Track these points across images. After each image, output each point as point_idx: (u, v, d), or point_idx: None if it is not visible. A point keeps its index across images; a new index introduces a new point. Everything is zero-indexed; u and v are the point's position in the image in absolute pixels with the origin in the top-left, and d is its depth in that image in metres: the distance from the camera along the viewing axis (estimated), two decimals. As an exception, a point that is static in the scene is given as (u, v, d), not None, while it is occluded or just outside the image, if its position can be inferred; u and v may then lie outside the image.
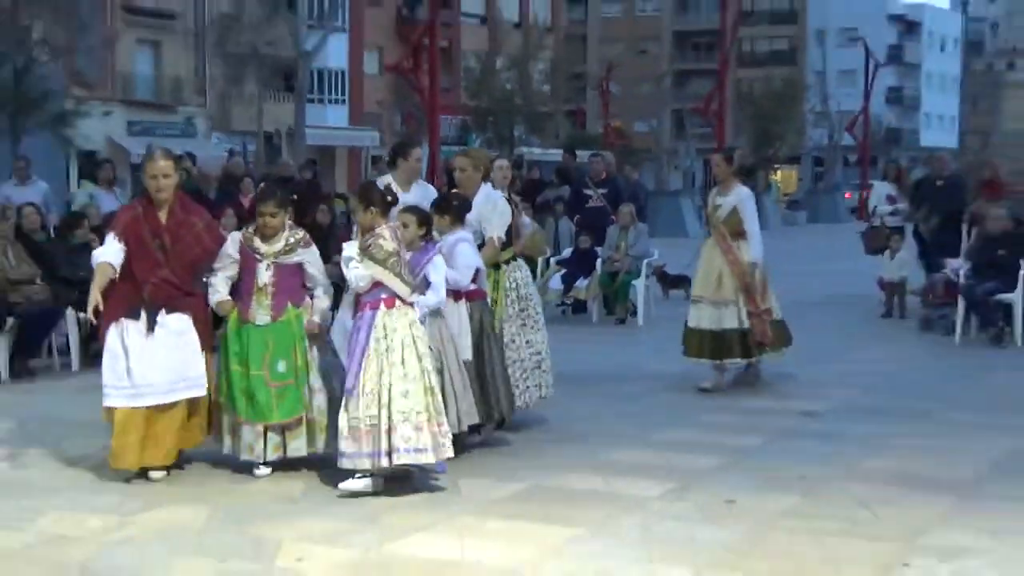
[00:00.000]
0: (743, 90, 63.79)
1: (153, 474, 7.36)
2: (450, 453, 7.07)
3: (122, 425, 7.22)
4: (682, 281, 16.00)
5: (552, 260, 15.88)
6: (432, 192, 9.08)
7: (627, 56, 76.75)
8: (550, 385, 8.90)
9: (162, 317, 7.33)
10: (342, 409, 6.98)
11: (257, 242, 7.48)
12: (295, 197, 8.08)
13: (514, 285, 8.73)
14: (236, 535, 6.31)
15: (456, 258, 7.93)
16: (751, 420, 9.25)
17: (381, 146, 50.36)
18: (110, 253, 7.29)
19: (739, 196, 10.34)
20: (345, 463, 6.92)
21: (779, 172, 71.74)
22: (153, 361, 7.26)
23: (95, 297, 7.11)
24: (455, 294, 7.94)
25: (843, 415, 9.50)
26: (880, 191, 17.86)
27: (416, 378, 6.97)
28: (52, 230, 13.52)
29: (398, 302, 7.07)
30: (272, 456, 7.42)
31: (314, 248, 7.66)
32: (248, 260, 7.47)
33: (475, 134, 50.71)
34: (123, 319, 7.32)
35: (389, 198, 7.29)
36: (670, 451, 8.19)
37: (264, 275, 7.43)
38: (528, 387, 8.67)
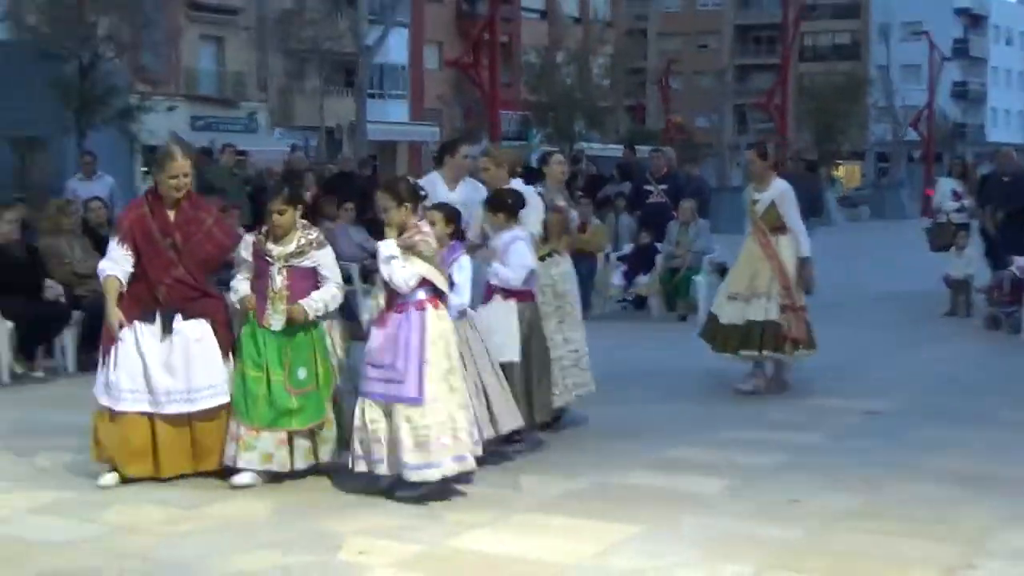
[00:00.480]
0: (805, 85, 63.37)
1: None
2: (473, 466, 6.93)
3: (132, 431, 7.03)
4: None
5: (612, 256, 15.84)
6: (482, 189, 9.04)
7: (688, 51, 76.53)
8: (589, 383, 8.73)
9: (178, 323, 7.12)
10: (401, 420, 6.70)
11: (269, 244, 7.22)
12: (306, 194, 8.05)
13: (550, 282, 8.55)
14: (298, 529, 6.34)
15: (510, 256, 7.82)
16: (814, 418, 9.18)
17: (441, 140, 50.47)
18: (116, 265, 7.11)
19: (778, 190, 10.09)
20: (413, 476, 6.70)
21: (842, 168, 71.13)
22: (172, 367, 7.08)
23: (115, 315, 7.03)
24: (504, 293, 7.85)
25: (907, 414, 9.40)
26: (945, 187, 17.63)
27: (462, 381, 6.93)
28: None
29: (440, 302, 6.93)
30: (304, 463, 7.18)
31: (328, 250, 7.37)
32: (261, 263, 7.21)
33: (535, 129, 50.66)
34: (136, 322, 7.12)
35: (422, 192, 7.14)
36: (731, 449, 8.14)
37: (277, 279, 7.16)
38: (566, 385, 8.52)
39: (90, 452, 7.25)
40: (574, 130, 48.94)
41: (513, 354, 7.81)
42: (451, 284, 7.17)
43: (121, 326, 7.02)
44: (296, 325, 7.14)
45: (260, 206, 15.06)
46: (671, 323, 14.96)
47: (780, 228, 10.03)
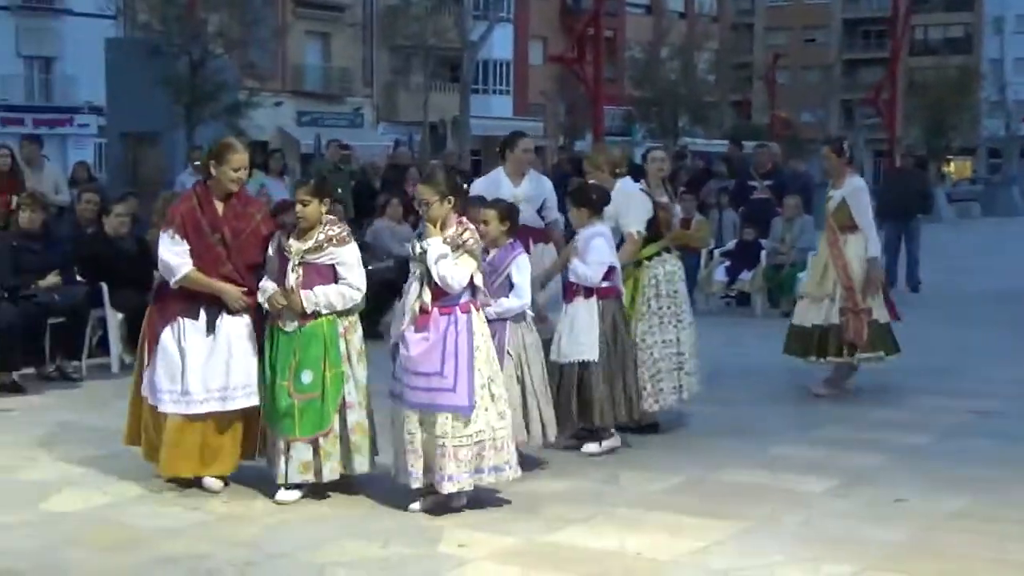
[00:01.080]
0: (915, 79, 62.19)
1: (210, 483, 6.91)
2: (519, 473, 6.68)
3: (178, 432, 6.80)
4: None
5: (716, 252, 15.73)
6: (547, 184, 9.01)
7: (795, 45, 75.74)
8: (693, 387, 8.52)
9: (221, 320, 6.85)
10: (445, 429, 6.36)
11: (290, 239, 6.79)
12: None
13: (653, 282, 8.39)
14: (398, 521, 6.40)
15: (589, 253, 7.68)
16: (919, 418, 9.03)
17: (545, 137, 50.48)
18: (185, 257, 6.83)
19: (850, 187, 9.77)
20: (448, 486, 6.38)
21: (952, 164, 69.84)
22: (212, 366, 6.80)
23: (236, 294, 6.84)
24: (586, 291, 7.70)
25: (1016, 415, 9.21)
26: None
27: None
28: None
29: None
30: (299, 477, 6.67)
31: (352, 247, 6.83)
32: (280, 259, 6.79)
33: (639, 125, 50.49)
34: (180, 318, 6.86)
35: (465, 185, 6.79)
36: (835, 447, 8.05)
37: (291, 276, 6.69)
38: (662, 389, 8.28)
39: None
40: (678, 126, 48.65)
41: (592, 353, 7.65)
42: (510, 285, 7.04)
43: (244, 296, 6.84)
44: (306, 324, 6.68)
45: (363, 201, 15.34)
46: (774, 320, 14.74)
47: (851, 227, 9.73)
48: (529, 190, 8.86)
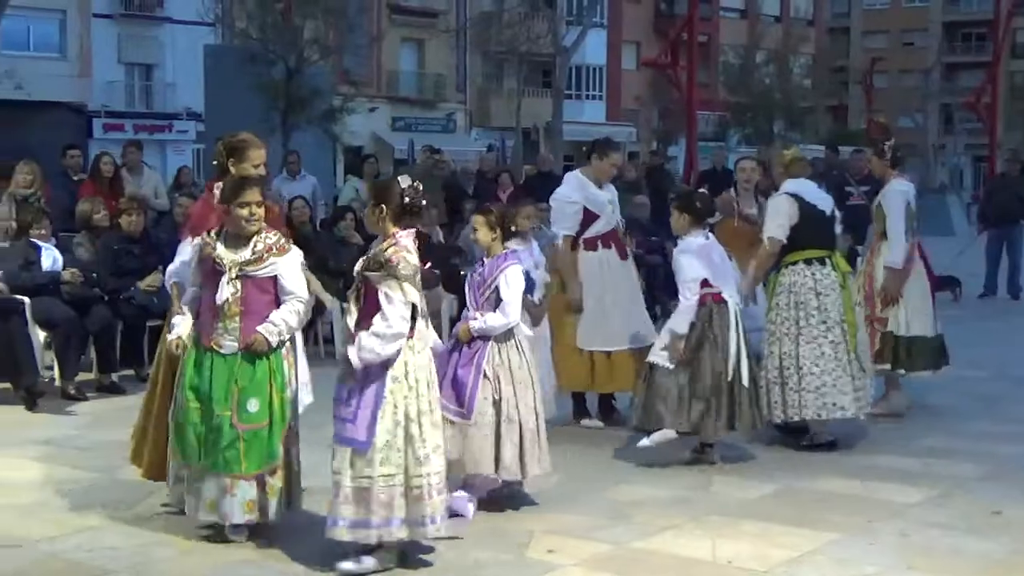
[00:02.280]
0: (1017, 82, 61.12)
1: None
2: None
3: None
4: (948, 282, 15.42)
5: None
6: (614, 192, 8.89)
7: (893, 48, 74.73)
8: (793, 406, 7.94)
9: None
10: (344, 466, 5.55)
11: (220, 248, 5.96)
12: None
13: (782, 291, 8.08)
14: (489, 526, 6.40)
15: (676, 273, 7.47)
16: (1018, 429, 8.86)
17: (638, 142, 50.39)
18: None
19: (886, 190, 9.22)
20: (341, 533, 5.55)
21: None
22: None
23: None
24: (714, 296, 7.43)
25: (1122, 426, 9.01)
26: None
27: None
28: (318, 223, 14.07)
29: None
30: (245, 517, 5.91)
31: (293, 256, 6.07)
32: (210, 271, 5.97)
33: (733, 130, 50.17)
34: None
35: (407, 199, 5.64)
36: (931, 457, 7.93)
37: (226, 291, 5.90)
38: (759, 406, 7.75)
39: None
40: (773, 131, 48.27)
41: (658, 358, 7.48)
42: (498, 301, 6.48)
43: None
44: (272, 355, 5.99)
45: (455, 206, 15.42)
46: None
47: (885, 233, 9.25)
48: (612, 195, 8.84)
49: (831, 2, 77.00)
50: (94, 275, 9.85)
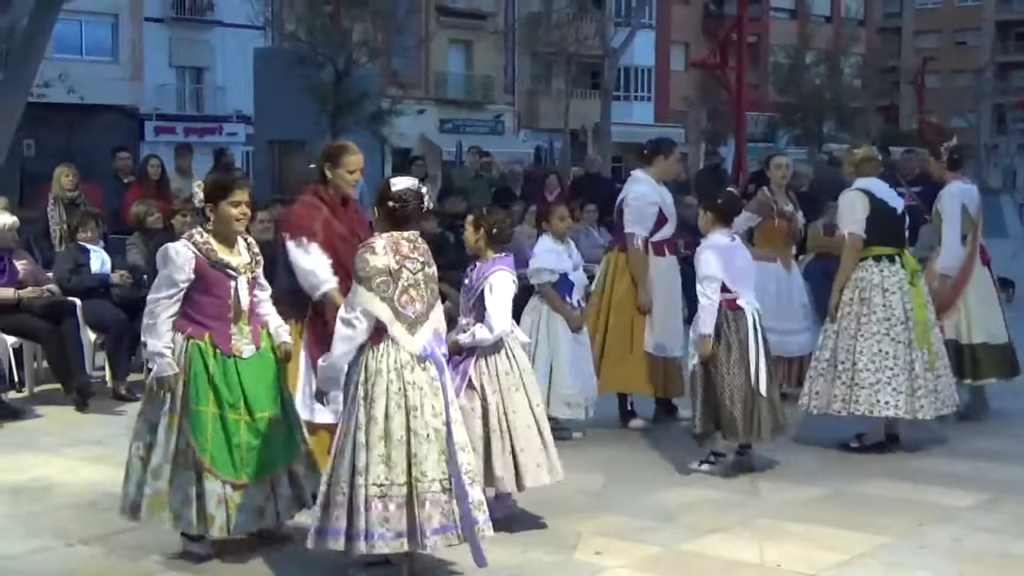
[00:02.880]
0: (1072, 82, 60.44)
1: None
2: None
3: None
4: (1002, 284, 15.23)
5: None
6: (670, 195, 8.83)
7: (945, 48, 74.11)
8: (845, 400, 7.89)
9: None
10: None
11: (223, 253, 5.83)
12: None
13: (849, 285, 7.99)
14: (537, 526, 6.40)
15: (697, 268, 7.34)
16: (1073, 432, 8.78)
17: (687, 143, 50.20)
18: (330, 275, 6.43)
19: (942, 193, 9.00)
20: (380, 546, 5.28)
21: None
22: None
23: None
24: (729, 303, 7.29)
25: None
26: None
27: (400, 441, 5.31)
28: (370, 224, 14.09)
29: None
30: (289, 514, 5.98)
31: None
32: (214, 277, 5.79)
33: (782, 131, 49.91)
34: None
35: (394, 202, 5.46)
36: (982, 461, 7.86)
37: (244, 296, 5.86)
38: (814, 392, 8.01)
39: None
40: (823, 132, 47.98)
41: (695, 365, 7.37)
42: (482, 308, 6.21)
43: None
44: (260, 347, 5.94)
45: (503, 207, 15.42)
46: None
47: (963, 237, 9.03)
48: (670, 198, 8.80)
49: (883, 2, 76.48)
50: (144, 276, 9.92)
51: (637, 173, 8.84)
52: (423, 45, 42.53)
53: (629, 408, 8.87)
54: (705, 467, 7.48)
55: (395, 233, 5.44)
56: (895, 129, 61.87)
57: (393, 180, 5.58)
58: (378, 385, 5.29)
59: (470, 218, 6.44)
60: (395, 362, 5.33)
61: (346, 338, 5.36)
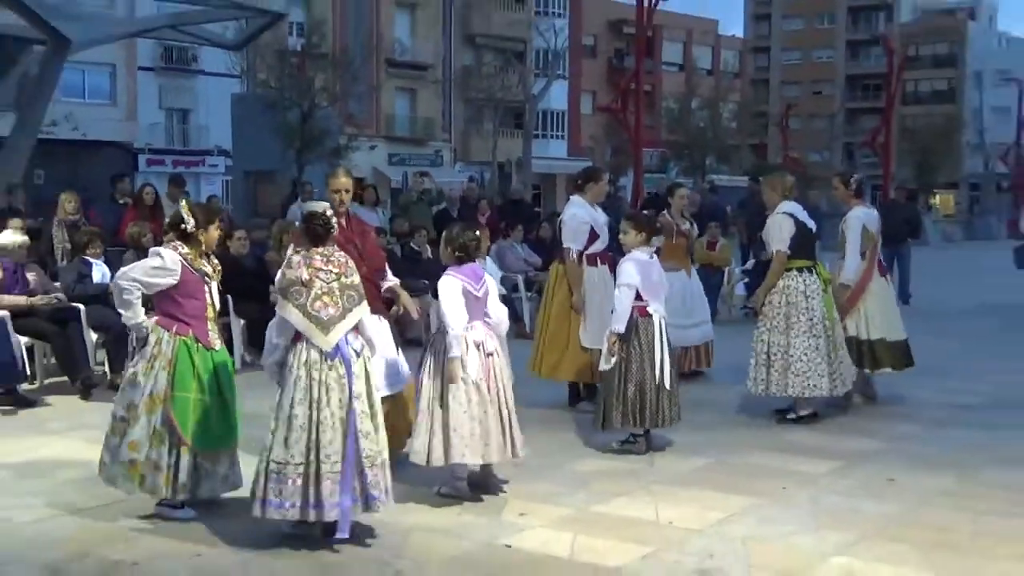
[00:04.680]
0: (907, 125, 61.44)
1: None
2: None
3: None
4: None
5: (736, 270, 15.60)
6: (605, 216, 8.82)
7: (804, 97, 75.13)
8: (779, 385, 8.12)
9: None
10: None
11: (201, 262, 5.92)
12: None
13: (776, 292, 8.11)
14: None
15: (617, 276, 7.29)
16: (911, 410, 8.90)
17: (593, 174, 50.37)
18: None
19: (848, 215, 9.00)
20: (272, 512, 5.25)
21: (938, 196, 68.85)
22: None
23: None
24: (640, 310, 7.19)
25: (995, 408, 9.04)
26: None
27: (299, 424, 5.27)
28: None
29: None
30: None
31: None
32: (196, 281, 5.86)
33: (672, 163, 50.30)
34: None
35: (308, 224, 5.47)
36: (838, 435, 7.95)
37: (216, 297, 5.96)
38: (756, 378, 8.23)
39: None
40: (706, 164, 48.45)
41: (605, 365, 7.27)
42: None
43: None
44: (222, 347, 5.99)
45: (443, 225, 15.40)
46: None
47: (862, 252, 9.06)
48: (603, 217, 8.79)
49: (754, 58, 77.39)
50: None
51: (574, 198, 8.81)
52: (374, 92, 42.35)
53: (580, 396, 8.83)
54: (626, 447, 7.40)
55: (313, 249, 5.42)
56: (764, 162, 62.26)
57: (308, 205, 5.69)
58: (289, 379, 5.29)
59: (444, 235, 6.36)
60: (306, 361, 5.28)
61: (269, 340, 5.44)
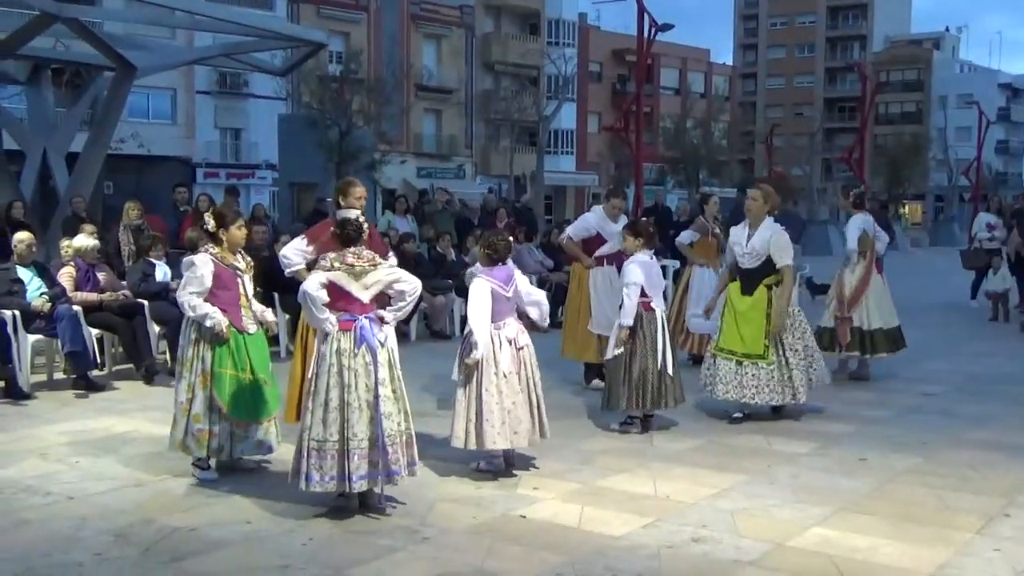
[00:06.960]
0: (879, 143, 61.18)
1: None
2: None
3: None
4: (826, 289, 15.40)
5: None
6: (611, 224, 8.92)
7: (787, 118, 74.78)
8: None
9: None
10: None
11: (234, 258, 6.14)
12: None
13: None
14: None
15: (623, 276, 7.30)
16: (882, 397, 8.87)
17: (599, 186, 50.34)
18: (299, 260, 6.56)
19: (848, 222, 9.34)
20: (315, 486, 5.30)
21: (907, 206, 68.51)
22: None
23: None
24: (644, 305, 7.18)
25: (957, 395, 9.01)
26: (982, 219, 16.78)
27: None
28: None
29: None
30: (278, 443, 6.19)
31: None
32: (228, 275, 6.06)
33: (669, 177, 50.19)
34: None
35: (341, 229, 5.56)
36: (817, 419, 7.93)
37: (249, 288, 6.18)
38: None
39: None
40: (699, 177, 48.32)
41: (611, 355, 7.20)
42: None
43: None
44: (259, 331, 6.19)
45: (464, 231, 15.42)
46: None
47: (863, 254, 9.47)
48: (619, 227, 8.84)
49: (742, 83, 77.08)
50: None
51: (595, 207, 9.36)
52: (405, 113, 42.35)
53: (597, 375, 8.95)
54: (624, 427, 7.42)
55: (346, 250, 5.49)
56: (751, 176, 62.26)
57: (341, 212, 5.81)
58: (323, 366, 5.33)
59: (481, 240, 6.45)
60: (337, 349, 5.32)
61: (311, 315, 5.43)
